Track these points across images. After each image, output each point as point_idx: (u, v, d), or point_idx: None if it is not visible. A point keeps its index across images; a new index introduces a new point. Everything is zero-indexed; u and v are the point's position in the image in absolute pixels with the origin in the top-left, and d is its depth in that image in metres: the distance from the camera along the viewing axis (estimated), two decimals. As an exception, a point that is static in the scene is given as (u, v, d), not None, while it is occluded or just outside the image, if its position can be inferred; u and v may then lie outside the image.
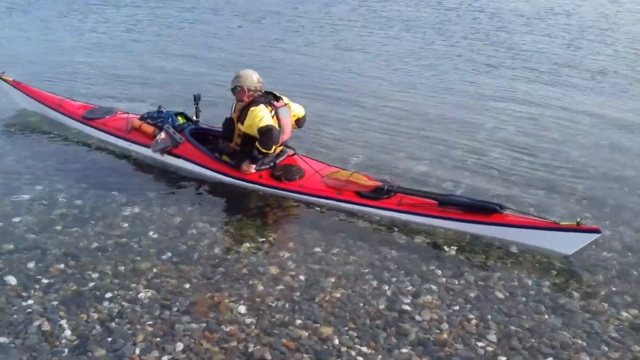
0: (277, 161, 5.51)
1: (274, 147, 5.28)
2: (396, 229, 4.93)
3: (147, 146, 5.91)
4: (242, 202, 5.36)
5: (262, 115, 5.13)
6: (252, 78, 5.33)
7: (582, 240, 4.49)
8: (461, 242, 4.79)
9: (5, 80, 7.11)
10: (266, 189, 5.41)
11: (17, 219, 4.80)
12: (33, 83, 7.35)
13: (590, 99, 8.77)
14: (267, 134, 5.13)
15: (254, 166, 5.41)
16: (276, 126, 5.20)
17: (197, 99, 5.98)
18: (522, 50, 11.56)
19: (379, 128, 7.37)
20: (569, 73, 10.01)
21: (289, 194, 5.35)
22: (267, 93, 5.39)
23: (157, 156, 5.86)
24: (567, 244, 4.55)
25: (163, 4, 14.50)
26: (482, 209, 4.81)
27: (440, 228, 4.91)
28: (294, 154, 5.73)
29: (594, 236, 4.46)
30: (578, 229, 4.44)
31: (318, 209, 5.21)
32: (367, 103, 8.31)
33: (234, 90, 5.39)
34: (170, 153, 5.80)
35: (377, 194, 5.13)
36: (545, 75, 9.85)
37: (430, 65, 10.39)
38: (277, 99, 5.38)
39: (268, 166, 5.46)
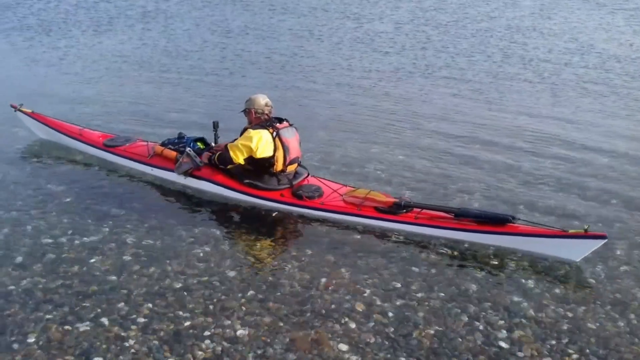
0: (294, 182, 5.73)
1: (277, 168, 5.57)
2: (456, 252, 5.06)
3: (170, 170, 6.08)
4: (283, 227, 5.57)
5: (249, 137, 5.41)
6: (260, 102, 5.67)
7: (589, 246, 4.71)
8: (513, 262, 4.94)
9: (24, 112, 7.27)
10: (288, 207, 5.58)
11: (92, 260, 4.80)
12: (50, 114, 7.42)
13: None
14: (223, 153, 5.64)
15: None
16: (279, 148, 5.47)
17: (216, 125, 6.27)
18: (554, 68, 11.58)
19: (393, 146, 7.68)
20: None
21: (311, 211, 5.54)
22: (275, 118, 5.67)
23: (181, 178, 6.04)
24: (574, 251, 4.77)
25: (176, 32, 14.80)
26: (496, 220, 5.01)
27: (464, 241, 5.09)
28: (308, 175, 5.95)
29: (601, 242, 4.65)
30: (586, 235, 4.63)
31: (355, 230, 5.37)
32: (377, 121, 8.69)
33: (244, 112, 5.75)
34: (192, 175, 5.99)
35: (395, 209, 5.30)
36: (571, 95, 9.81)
37: (444, 80, 10.76)
38: (280, 121, 5.64)
39: (287, 186, 5.68)
